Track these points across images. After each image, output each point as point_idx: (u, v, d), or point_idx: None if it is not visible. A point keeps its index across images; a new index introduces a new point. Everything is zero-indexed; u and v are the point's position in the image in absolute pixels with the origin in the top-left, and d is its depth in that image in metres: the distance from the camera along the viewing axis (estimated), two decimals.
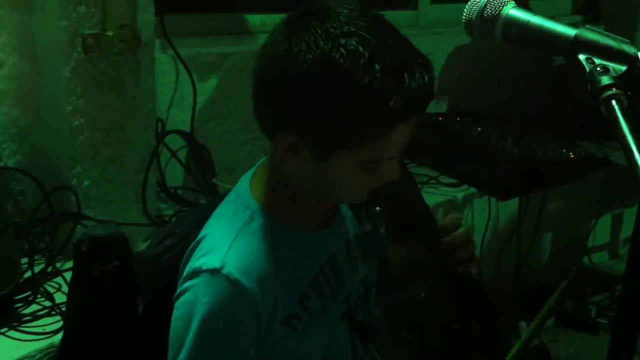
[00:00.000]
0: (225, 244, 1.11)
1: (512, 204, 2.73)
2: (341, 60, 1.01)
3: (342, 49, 1.02)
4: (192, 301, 1.10)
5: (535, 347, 1.46)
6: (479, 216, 2.60)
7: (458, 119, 2.67)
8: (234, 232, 1.13)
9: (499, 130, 2.59)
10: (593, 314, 2.87)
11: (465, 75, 2.84)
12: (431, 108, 2.64)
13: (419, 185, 2.44)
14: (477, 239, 2.58)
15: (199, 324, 1.08)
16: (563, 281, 1.25)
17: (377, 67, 1.01)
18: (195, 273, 1.11)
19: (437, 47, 2.69)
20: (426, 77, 1.04)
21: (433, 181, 2.55)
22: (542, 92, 2.96)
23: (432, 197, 2.46)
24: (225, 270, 1.08)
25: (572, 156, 2.56)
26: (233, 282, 1.08)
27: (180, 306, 1.12)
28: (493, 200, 2.59)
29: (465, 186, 2.54)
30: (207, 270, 1.09)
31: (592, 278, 3.04)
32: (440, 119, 2.64)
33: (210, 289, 1.09)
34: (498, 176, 2.42)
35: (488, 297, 1.50)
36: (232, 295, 1.09)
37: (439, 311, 1.66)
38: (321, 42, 1.02)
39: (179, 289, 1.13)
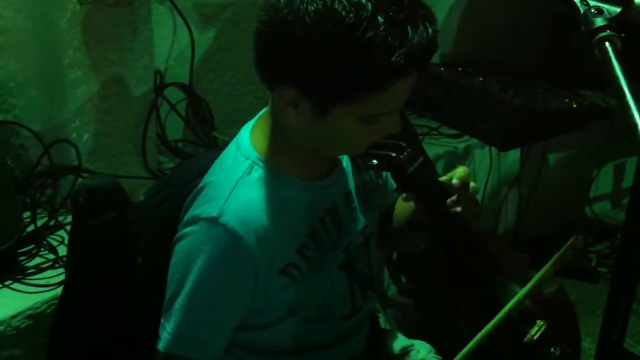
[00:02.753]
0: (224, 193, 1.12)
1: (514, 155, 2.72)
2: (343, 13, 0.99)
3: (344, 1, 1.00)
4: (190, 248, 1.12)
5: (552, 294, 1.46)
6: (480, 167, 2.60)
7: (459, 69, 2.64)
8: (233, 182, 1.14)
9: (501, 80, 2.57)
10: (594, 262, 2.88)
11: (467, 26, 2.80)
12: (433, 58, 2.63)
13: (420, 137, 2.43)
14: (478, 189, 2.59)
15: (197, 272, 1.10)
16: (563, 249, 1.24)
17: (380, 20, 0.99)
18: (194, 220, 1.12)
19: None
20: (430, 30, 1.03)
21: (434, 132, 2.54)
22: (545, 41, 2.92)
23: (433, 148, 2.45)
24: (222, 220, 1.10)
25: (574, 106, 2.54)
26: (230, 231, 1.09)
27: (178, 251, 1.14)
28: (494, 150, 2.58)
29: (467, 137, 2.53)
30: (205, 219, 1.11)
31: (594, 229, 3.04)
32: (441, 69, 2.62)
33: (207, 237, 1.11)
34: (499, 126, 2.41)
35: (490, 244, 1.51)
36: (228, 244, 1.10)
37: (438, 262, 1.67)
38: None
39: (178, 234, 1.15)
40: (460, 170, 1.26)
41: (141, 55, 1.87)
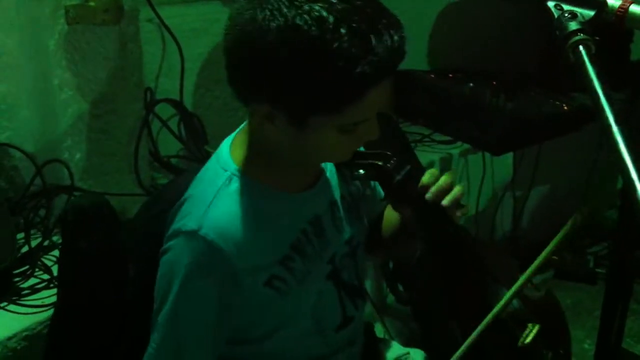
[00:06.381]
0: (203, 206, 1.14)
1: (507, 159, 2.73)
2: (305, 27, 0.99)
3: (305, 15, 1.00)
4: (172, 261, 1.13)
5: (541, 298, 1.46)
6: (474, 172, 2.61)
7: (450, 76, 2.64)
8: (212, 195, 1.15)
9: (492, 86, 2.56)
10: (591, 264, 2.88)
11: (457, 32, 2.81)
12: (422, 66, 2.64)
13: (413, 144, 2.44)
14: (472, 195, 2.60)
15: (179, 284, 1.12)
16: (563, 229, 1.23)
17: (342, 31, 0.99)
18: (175, 234, 1.14)
19: (429, 4, 2.67)
20: (395, 38, 1.03)
21: (427, 139, 2.55)
22: (536, 45, 2.93)
23: (427, 154, 2.46)
24: (201, 232, 1.11)
25: (565, 108, 2.54)
26: (209, 244, 1.11)
27: (162, 264, 1.16)
28: (487, 155, 2.59)
29: (460, 143, 2.54)
30: (185, 232, 1.12)
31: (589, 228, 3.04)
32: (432, 76, 2.62)
33: (188, 250, 1.12)
34: (492, 132, 2.41)
35: (480, 251, 1.50)
36: (208, 256, 1.11)
37: (434, 269, 1.67)
38: (284, 9, 1.01)
39: (162, 249, 1.16)
40: (441, 182, 1.24)
41: (131, 73, 1.88)
